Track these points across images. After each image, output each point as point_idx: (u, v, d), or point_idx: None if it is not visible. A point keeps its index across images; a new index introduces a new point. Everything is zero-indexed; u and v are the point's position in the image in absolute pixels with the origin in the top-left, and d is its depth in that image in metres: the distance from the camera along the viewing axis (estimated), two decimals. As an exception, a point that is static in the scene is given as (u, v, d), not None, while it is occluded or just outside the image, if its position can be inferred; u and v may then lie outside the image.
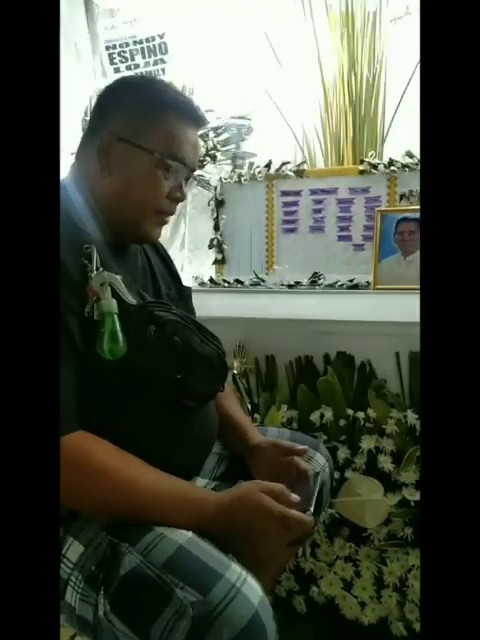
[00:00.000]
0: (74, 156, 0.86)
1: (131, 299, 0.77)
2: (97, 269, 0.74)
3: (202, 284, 1.63)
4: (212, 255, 1.73)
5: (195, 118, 0.84)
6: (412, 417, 1.22)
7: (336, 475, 1.19)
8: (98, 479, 0.69)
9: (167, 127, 0.81)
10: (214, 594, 0.60)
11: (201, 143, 0.85)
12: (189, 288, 1.01)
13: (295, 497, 0.73)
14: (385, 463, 1.21)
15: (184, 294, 0.99)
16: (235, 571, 0.64)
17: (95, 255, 0.75)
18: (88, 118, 1.67)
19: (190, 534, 0.68)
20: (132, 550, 0.65)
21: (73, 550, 0.71)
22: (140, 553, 0.65)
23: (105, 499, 0.70)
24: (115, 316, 0.73)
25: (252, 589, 0.63)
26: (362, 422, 1.25)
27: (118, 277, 0.76)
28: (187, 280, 1.64)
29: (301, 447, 0.90)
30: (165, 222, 0.87)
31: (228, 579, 0.62)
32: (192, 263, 1.79)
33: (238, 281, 1.58)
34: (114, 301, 0.74)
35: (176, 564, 0.63)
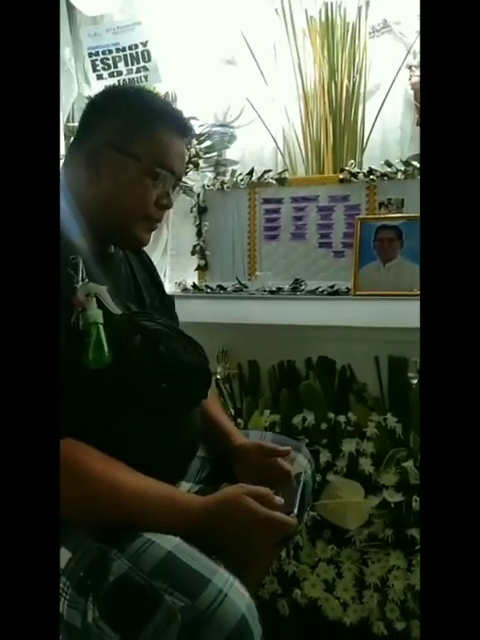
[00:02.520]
0: (62, 164, 0.86)
1: (116, 309, 0.78)
2: (83, 280, 0.75)
3: (185, 290, 1.64)
4: (195, 261, 1.74)
5: (182, 128, 0.86)
6: (392, 420, 1.25)
7: (318, 478, 1.21)
8: (83, 485, 0.69)
9: (156, 136, 0.82)
10: (202, 599, 0.61)
11: (185, 148, 0.87)
12: (172, 297, 1.02)
13: (279, 500, 0.74)
14: (365, 466, 1.23)
15: (167, 303, 1.00)
16: (222, 576, 0.65)
17: (81, 266, 0.75)
18: (70, 124, 1.70)
19: (178, 540, 0.68)
20: (121, 556, 0.66)
21: (61, 556, 0.71)
22: (129, 559, 0.65)
23: (91, 504, 0.70)
24: (100, 326, 0.74)
25: (239, 594, 0.64)
26: (343, 425, 1.28)
27: (103, 288, 0.76)
28: (170, 286, 1.66)
29: (284, 448, 0.92)
30: (154, 228, 0.88)
31: (216, 584, 0.63)
32: (174, 269, 1.80)
33: (221, 287, 1.60)
34: (100, 311, 0.74)
35: (165, 570, 0.64)
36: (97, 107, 0.86)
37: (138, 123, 0.82)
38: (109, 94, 0.88)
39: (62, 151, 1.59)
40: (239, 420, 1.36)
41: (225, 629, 0.60)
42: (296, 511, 0.76)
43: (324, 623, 1.25)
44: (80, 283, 0.74)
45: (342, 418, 1.28)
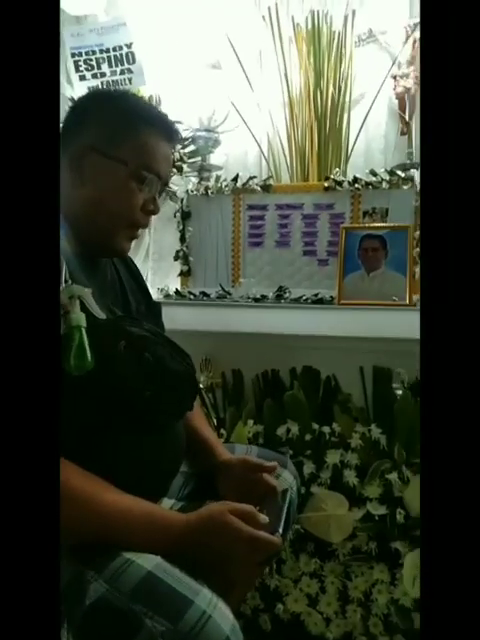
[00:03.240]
0: None
1: (101, 313, 0.75)
2: (66, 282, 0.72)
3: (167, 296, 1.61)
4: (177, 267, 1.72)
5: (169, 132, 0.84)
6: (376, 431, 1.24)
7: (302, 490, 1.19)
8: (63, 502, 0.66)
9: (141, 139, 0.80)
10: (185, 622, 0.58)
11: (171, 153, 0.86)
12: (159, 303, 1.00)
13: (264, 518, 0.72)
14: (350, 477, 1.21)
15: (154, 310, 0.97)
16: (205, 597, 0.62)
17: (64, 268, 0.73)
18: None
19: (158, 559, 0.66)
20: (98, 578, 0.63)
21: None
22: (106, 581, 0.62)
23: (70, 522, 0.66)
24: (83, 330, 0.71)
25: (223, 615, 0.61)
26: (327, 436, 1.26)
27: (88, 291, 0.73)
28: (152, 291, 1.62)
29: (270, 464, 0.90)
30: (136, 236, 0.86)
31: (199, 606, 0.60)
32: (157, 274, 1.77)
33: (204, 294, 1.57)
34: (83, 315, 0.71)
35: (145, 591, 0.61)
36: (81, 110, 0.84)
37: (124, 126, 0.80)
38: (93, 97, 0.87)
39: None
40: (222, 430, 1.33)
41: None
42: (281, 530, 0.74)
43: (307, 638, 1.23)
44: (63, 285, 0.71)
45: (326, 429, 1.26)
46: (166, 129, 0.83)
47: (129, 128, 0.80)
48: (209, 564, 0.69)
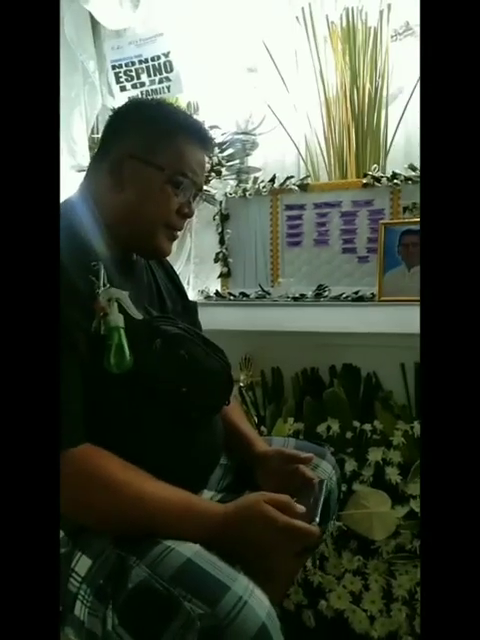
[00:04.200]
0: (85, 175, 0.88)
1: (137, 314, 0.78)
2: (104, 285, 0.76)
3: (208, 297, 1.64)
4: (218, 269, 1.74)
5: (202, 139, 0.87)
6: (419, 428, 1.22)
7: (343, 488, 1.19)
8: (105, 492, 0.70)
9: (177, 146, 0.83)
10: (222, 606, 0.60)
11: (206, 159, 0.89)
12: (195, 303, 1.03)
13: (300, 508, 0.73)
14: (392, 475, 1.20)
15: (190, 309, 1.00)
16: (242, 583, 0.64)
17: (102, 272, 0.76)
18: (95, 136, 1.72)
19: (197, 547, 0.68)
20: (140, 563, 0.66)
21: (81, 564, 0.71)
22: (148, 566, 0.65)
23: (112, 512, 0.70)
24: (122, 330, 0.74)
25: (259, 601, 0.63)
26: (369, 434, 1.25)
27: (125, 293, 0.77)
28: (193, 293, 1.66)
29: (306, 455, 0.91)
30: (175, 237, 0.89)
31: (235, 591, 0.62)
32: (198, 277, 1.81)
33: (243, 294, 1.60)
34: (121, 316, 0.75)
35: (184, 577, 0.64)
36: (120, 119, 0.88)
37: (160, 133, 0.83)
38: (131, 106, 0.91)
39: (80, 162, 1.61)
40: (262, 428, 1.35)
41: (245, 637, 0.59)
42: (318, 519, 0.75)
43: (351, 636, 1.22)
44: (102, 288, 0.75)
45: (368, 426, 1.26)
46: (201, 136, 0.87)
47: (166, 136, 0.83)
48: (246, 553, 0.71)
